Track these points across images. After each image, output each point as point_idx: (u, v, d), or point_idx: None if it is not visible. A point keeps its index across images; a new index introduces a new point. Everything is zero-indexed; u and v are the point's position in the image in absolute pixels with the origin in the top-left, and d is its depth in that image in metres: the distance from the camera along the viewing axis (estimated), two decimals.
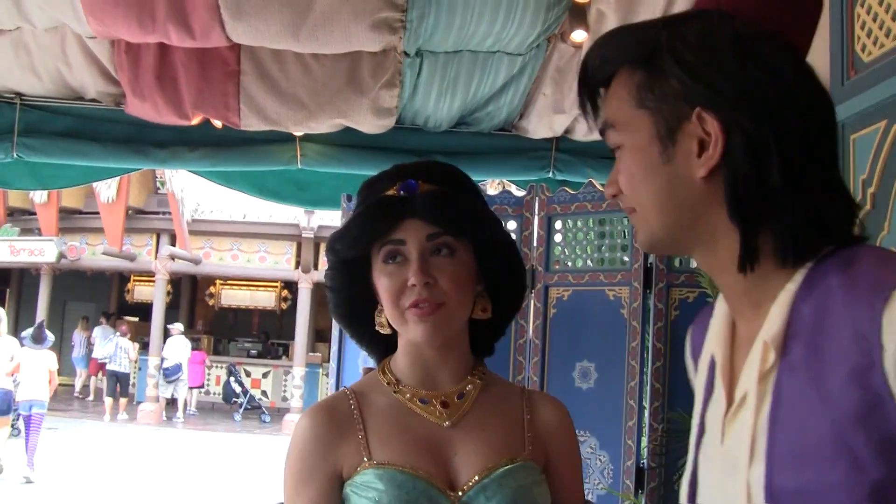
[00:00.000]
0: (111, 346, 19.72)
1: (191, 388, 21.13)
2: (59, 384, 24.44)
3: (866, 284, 1.06)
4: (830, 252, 1.17)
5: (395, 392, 1.78)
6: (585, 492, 3.93)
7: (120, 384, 19.66)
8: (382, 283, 1.70)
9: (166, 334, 20.59)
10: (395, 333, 1.79)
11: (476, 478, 1.66)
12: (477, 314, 1.79)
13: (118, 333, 20.02)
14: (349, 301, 1.83)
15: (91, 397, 22.68)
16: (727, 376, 1.29)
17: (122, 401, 19.77)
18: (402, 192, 1.71)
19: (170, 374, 20.04)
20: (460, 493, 1.65)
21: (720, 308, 1.36)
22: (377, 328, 1.81)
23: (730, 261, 1.22)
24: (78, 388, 23.14)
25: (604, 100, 1.32)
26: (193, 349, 20.95)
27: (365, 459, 1.68)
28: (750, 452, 1.14)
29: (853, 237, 1.21)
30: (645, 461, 3.92)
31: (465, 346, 1.83)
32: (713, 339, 1.35)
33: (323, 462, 1.70)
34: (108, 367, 19.66)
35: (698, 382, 1.43)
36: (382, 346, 1.87)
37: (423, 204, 1.69)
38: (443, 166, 1.83)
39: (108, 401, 19.64)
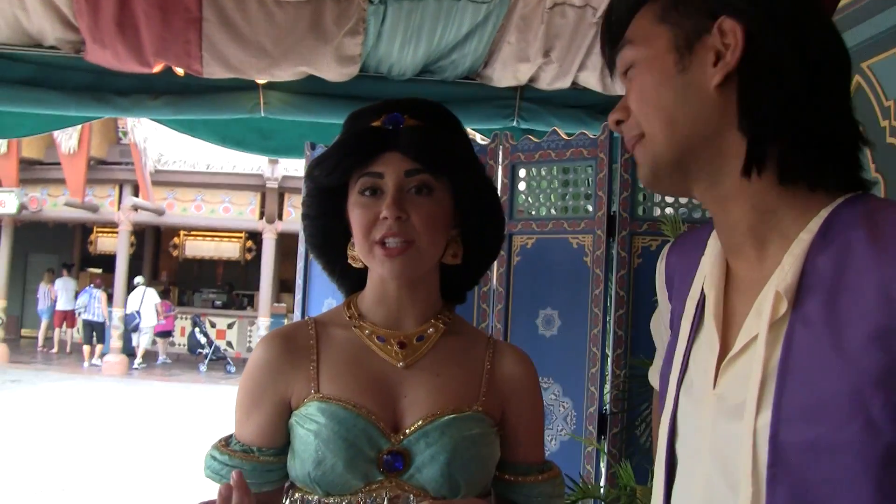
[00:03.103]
0: (86, 296, 20.55)
1: (157, 336, 21.22)
2: (22, 336, 24.57)
3: (894, 244, 1.06)
4: (846, 202, 1.17)
5: (354, 327, 1.77)
6: (549, 438, 4.00)
7: (95, 332, 20.54)
8: (355, 214, 1.69)
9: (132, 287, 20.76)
10: (366, 269, 1.78)
11: (419, 422, 1.66)
12: (447, 259, 1.79)
13: (93, 285, 20.85)
14: (323, 230, 1.82)
15: (55, 349, 22.57)
16: (720, 318, 1.28)
17: (98, 347, 20.47)
18: (386, 125, 1.69)
19: (127, 323, 20.42)
20: (401, 437, 1.65)
21: (713, 247, 1.35)
22: (349, 261, 1.80)
23: (737, 187, 1.22)
24: (41, 340, 23.00)
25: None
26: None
27: (312, 391, 1.68)
28: (757, 401, 1.13)
29: (862, 182, 1.23)
30: (607, 407, 3.96)
31: (433, 289, 1.83)
32: (707, 279, 1.34)
33: (273, 388, 1.70)
34: (84, 316, 20.45)
35: (684, 320, 1.40)
36: (353, 281, 1.86)
37: (405, 138, 1.68)
38: (431, 104, 1.80)
39: (86, 348, 20.49)
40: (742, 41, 1.18)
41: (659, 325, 1.58)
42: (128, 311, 20.42)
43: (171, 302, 22.07)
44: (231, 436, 1.75)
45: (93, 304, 20.38)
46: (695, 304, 1.37)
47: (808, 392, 1.08)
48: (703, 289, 1.35)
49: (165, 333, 21.36)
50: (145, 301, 20.51)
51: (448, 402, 1.70)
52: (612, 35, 1.35)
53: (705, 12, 1.21)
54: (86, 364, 20.12)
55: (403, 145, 1.67)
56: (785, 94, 1.18)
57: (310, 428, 1.63)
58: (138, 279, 21.29)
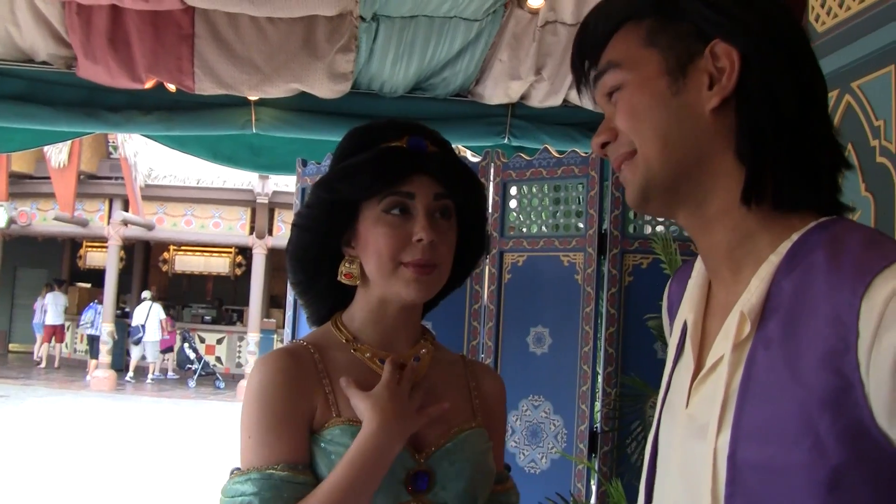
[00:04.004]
0: (91, 312, 21.04)
1: (163, 351, 21.36)
2: (12, 352, 24.49)
3: (850, 267, 1.06)
4: (816, 226, 1.17)
5: (353, 349, 1.75)
6: (540, 456, 4.00)
7: (96, 347, 20.73)
8: (380, 233, 1.66)
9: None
10: (349, 288, 1.77)
11: (441, 441, 1.67)
12: None
13: (96, 301, 21.25)
14: (320, 245, 1.78)
15: (43, 364, 22.46)
16: (697, 340, 1.29)
17: (93, 362, 20.61)
18: (413, 147, 1.70)
19: (131, 335, 20.72)
20: (425, 456, 1.65)
21: (698, 270, 1.36)
22: (341, 277, 1.76)
23: (723, 210, 1.22)
24: (36, 354, 22.91)
25: (602, 55, 1.31)
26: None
27: (334, 415, 1.64)
28: (719, 420, 1.14)
29: (839, 205, 1.23)
30: (598, 425, 3.95)
31: (420, 311, 1.83)
32: (687, 302, 1.35)
33: (301, 404, 1.64)
34: (89, 332, 20.96)
35: (671, 342, 1.43)
36: (330, 300, 1.84)
37: (433, 162, 1.69)
38: (434, 131, 1.81)
39: (92, 362, 20.65)
40: (738, 65, 1.18)
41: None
42: (133, 324, 20.66)
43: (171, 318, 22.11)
44: (247, 468, 1.61)
45: (98, 320, 20.60)
46: (680, 326, 1.38)
47: (763, 412, 1.09)
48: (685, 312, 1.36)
49: (168, 349, 21.41)
50: (151, 316, 20.60)
51: (456, 419, 1.72)
52: (588, 53, 1.34)
53: (695, 35, 1.21)
54: (88, 377, 20.22)
55: (433, 169, 1.68)
56: (782, 119, 1.18)
57: (338, 451, 1.59)
58: (146, 293, 21.43)
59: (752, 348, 1.14)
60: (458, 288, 1.96)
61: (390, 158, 1.68)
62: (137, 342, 20.67)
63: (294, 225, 1.83)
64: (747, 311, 1.15)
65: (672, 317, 1.51)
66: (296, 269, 1.84)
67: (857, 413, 1.01)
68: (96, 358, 20.64)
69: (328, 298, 1.85)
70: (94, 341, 20.81)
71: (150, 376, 21.02)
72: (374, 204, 1.68)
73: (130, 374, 20.77)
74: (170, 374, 21.45)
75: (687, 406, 1.26)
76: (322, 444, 1.62)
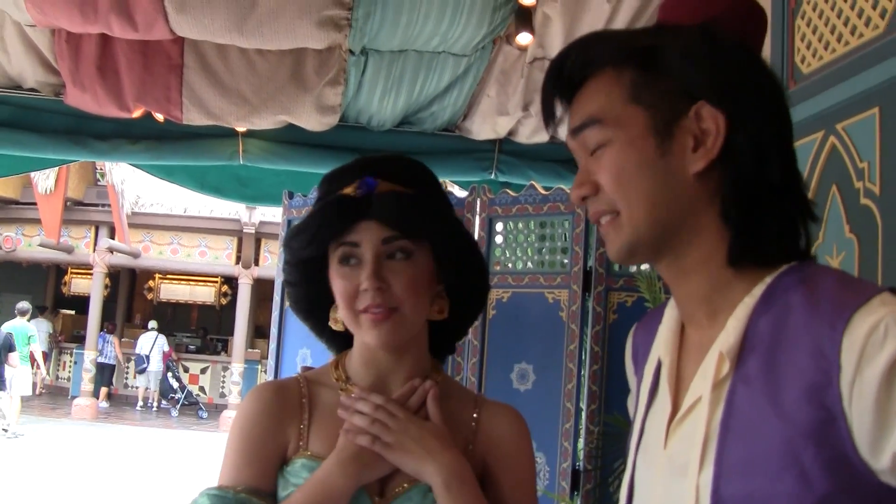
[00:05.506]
0: (100, 340, 20.83)
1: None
2: None
3: (828, 305, 1.08)
4: (788, 269, 1.19)
5: (341, 389, 1.74)
6: None
7: (105, 375, 20.88)
8: (337, 285, 1.66)
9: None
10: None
11: (404, 485, 1.63)
12: (432, 315, 1.74)
13: (105, 330, 21.07)
14: (307, 297, 1.79)
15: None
16: (673, 381, 1.30)
17: (104, 390, 20.70)
18: (358, 192, 1.65)
19: (136, 365, 20.97)
20: (386, 501, 1.62)
21: (670, 314, 1.36)
22: (331, 324, 1.77)
23: (701, 262, 1.24)
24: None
25: (577, 100, 1.31)
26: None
27: (301, 448, 1.65)
28: (700, 458, 1.15)
29: (805, 252, 1.25)
30: (581, 463, 3.94)
31: (421, 349, 1.79)
32: (661, 345, 1.36)
33: (274, 438, 1.66)
34: (98, 360, 20.63)
35: (643, 387, 1.42)
36: (342, 342, 1.83)
37: (379, 206, 1.64)
38: (406, 162, 1.76)
39: (102, 390, 20.69)
40: (725, 130, 1.18)
41: (630, 405, 1.58)
42: (137, 353, 20.78)
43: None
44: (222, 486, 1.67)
45: (106, 348, 20.67)
46: (652, 369, 1.39)
47: (746, 447, 1.11)
48: (659, 355, 1.37)
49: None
50: (155, 346, 20.67)
51: None
52: (562, 93, 1.33)
53: (681, 94, 1.21)
54: (102, 404, 20.39)
55: (378, 213, 1.63)
56: (767, 183, 1.20)
57: (296, 483, 1.60)
58: (152, 323, 21.48)
59: (731, 386, 1.16)
60: (471, 326, 1.96)
61: (330, 210, 1.67)
62: (142, 371, 20.72)
63: (283, 280, 1.86)
64: (726, 350, 1.17)
65: (637, 364, 1.52)
66: (300, 317, 1.87)
67: (841, 444, 1.04)
68: (107, 385, 20.84)
69: (341, 339, 1.83)
70: (103, 369, 20.72)
71: (154, 405, 21.15)
72: (332, 254, 1.67)
73: (140, 403, 20.97)
74: (163, 403, 21.40)
75: (665, 447, 1.26)
76: (286, 476, 1.64)
